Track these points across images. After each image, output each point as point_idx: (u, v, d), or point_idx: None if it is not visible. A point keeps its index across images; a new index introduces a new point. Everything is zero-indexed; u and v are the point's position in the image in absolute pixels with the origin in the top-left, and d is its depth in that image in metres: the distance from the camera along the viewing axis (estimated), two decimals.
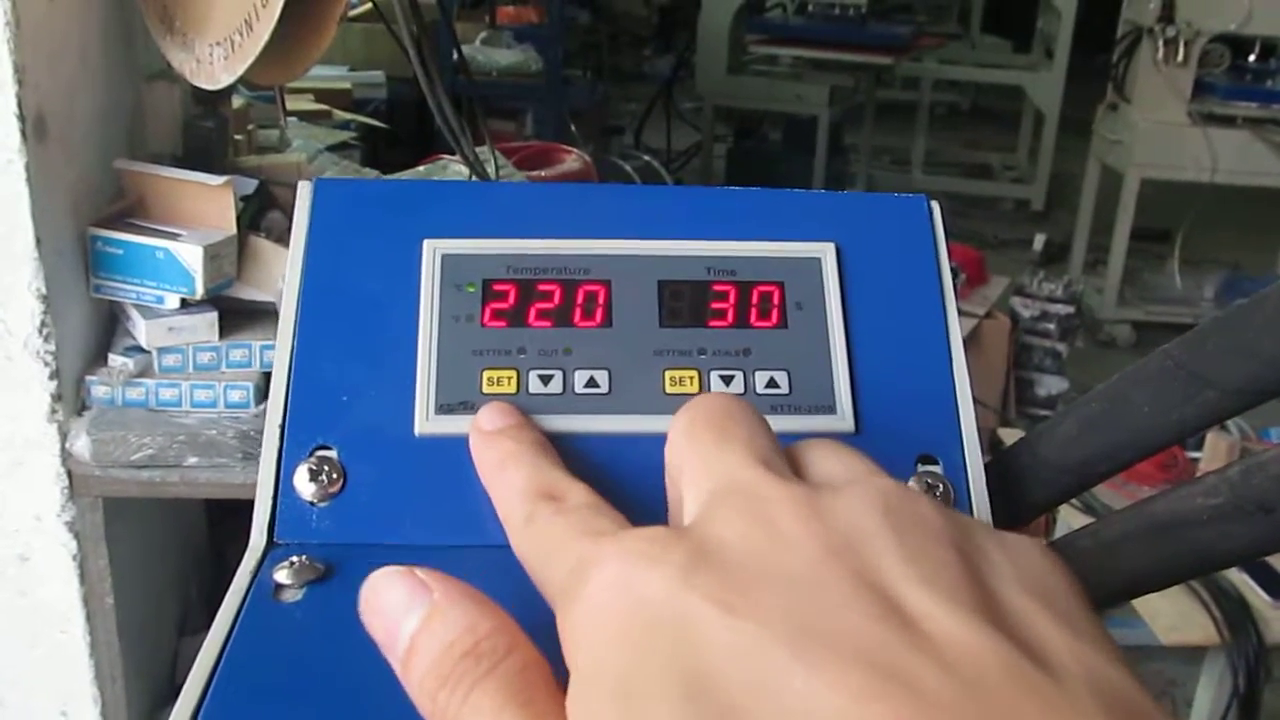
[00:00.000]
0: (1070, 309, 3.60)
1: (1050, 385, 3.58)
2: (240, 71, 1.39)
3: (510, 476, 0.38)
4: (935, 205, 0.50)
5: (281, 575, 0.39)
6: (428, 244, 0.46)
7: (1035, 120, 6.32)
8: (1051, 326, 3.59)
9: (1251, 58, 4.47)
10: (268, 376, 1.47)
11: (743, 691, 0.25)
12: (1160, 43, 4.32)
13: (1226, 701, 1.95)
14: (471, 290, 0.46)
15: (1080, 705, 0.24)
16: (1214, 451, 2.39)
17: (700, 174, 5.75)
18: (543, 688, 0.29)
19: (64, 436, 1.42)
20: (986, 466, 0.44)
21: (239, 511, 1.86)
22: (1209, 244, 5.00)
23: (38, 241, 1.34)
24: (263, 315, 1.52)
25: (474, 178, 1.55)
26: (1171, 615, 1.93)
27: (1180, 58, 4.32)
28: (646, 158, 4.91)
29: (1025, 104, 6.39)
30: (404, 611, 0.31)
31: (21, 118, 1.30)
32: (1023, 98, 6.33)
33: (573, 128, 4.03)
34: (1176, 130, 4.39)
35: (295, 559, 0.40)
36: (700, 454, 0.33)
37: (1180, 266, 4.76)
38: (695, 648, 0.26)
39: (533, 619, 0.31)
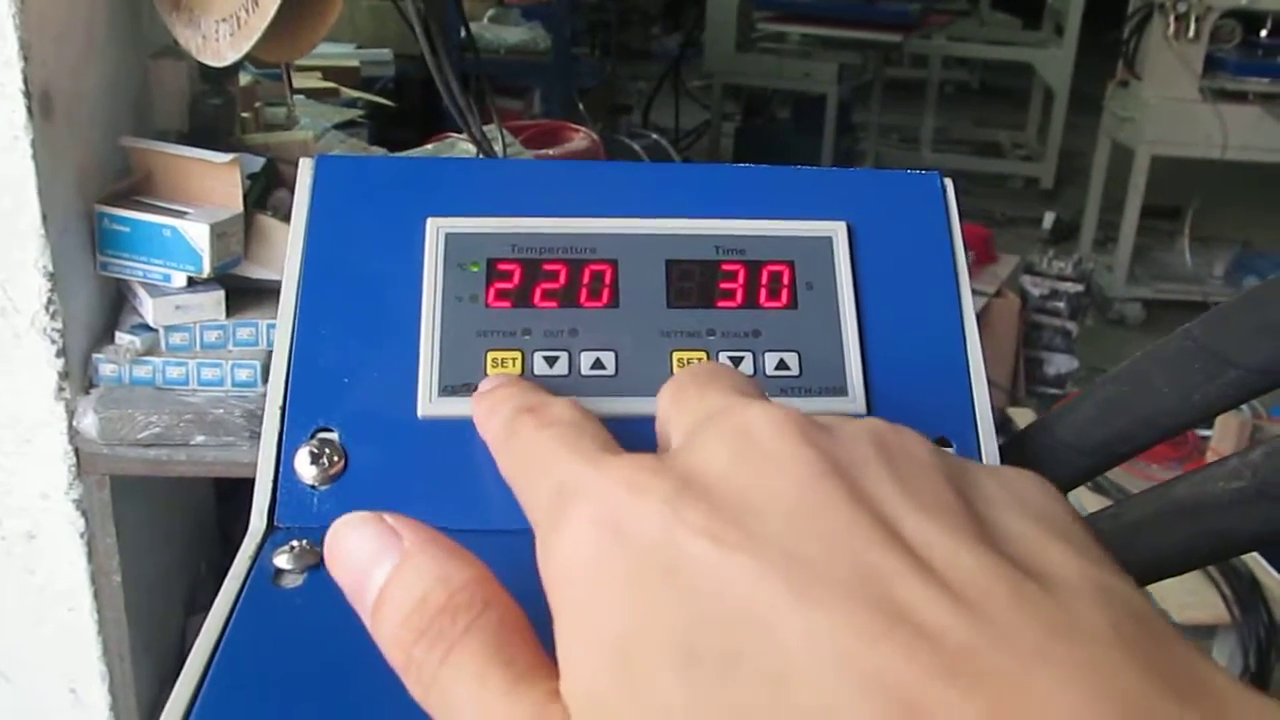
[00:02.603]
0: (1080, 287, 3.58)
1: (1060, 364, 3.57)
2: (246, 48, 1.38)
3: (498, 408, 0.37)
4: (948, 183, 0.49)
5: (281, 560, 0.39)
6: (431, 222, 0.46)
7: (1045, 97, 6.29)
8: (1061, 305, 3.57)
9: (1263, 33, 4.43)
10: None
11: (742, 634, 0.23)
12: (1171, 18, 4.29)
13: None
14: (475, 270, 0.45)
15: (1088, 622, 0.23)
16: (1224, 430, 2.39)
17: (708, 152, 5.73)
18: (523, 644, 0.28)
19: (71, 414, 1.42)
20: (1002, 448, 0.43)
21: (246, 490, 1.86)
22: (1220, 221, 4.97)
23: (44, 219, 1.33)
24: (270, 294, 1.51)
25: (481, 156, 1.54)
26: (1181, 593, 1.93)
27: (1191, 33, 4.29)
28: (655, 136, 4.89)
29: (1035, 81, 6.36)
30: (372, 560, 0.30)
31: (27, 95, 1.29)
32: (1032, 75, 6.29)
33: (580, 106, 4.02)
34: (1187, 106, 4.36)
35: (296, 543, 0.39)
36: (683, 404, 0.32)
37: (1191, 244, 4.73)
38: (691, 593, 0.25)
39: (541, 604, 0.30)
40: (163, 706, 0.33)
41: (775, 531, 0.25)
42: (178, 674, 0.34)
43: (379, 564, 0.30)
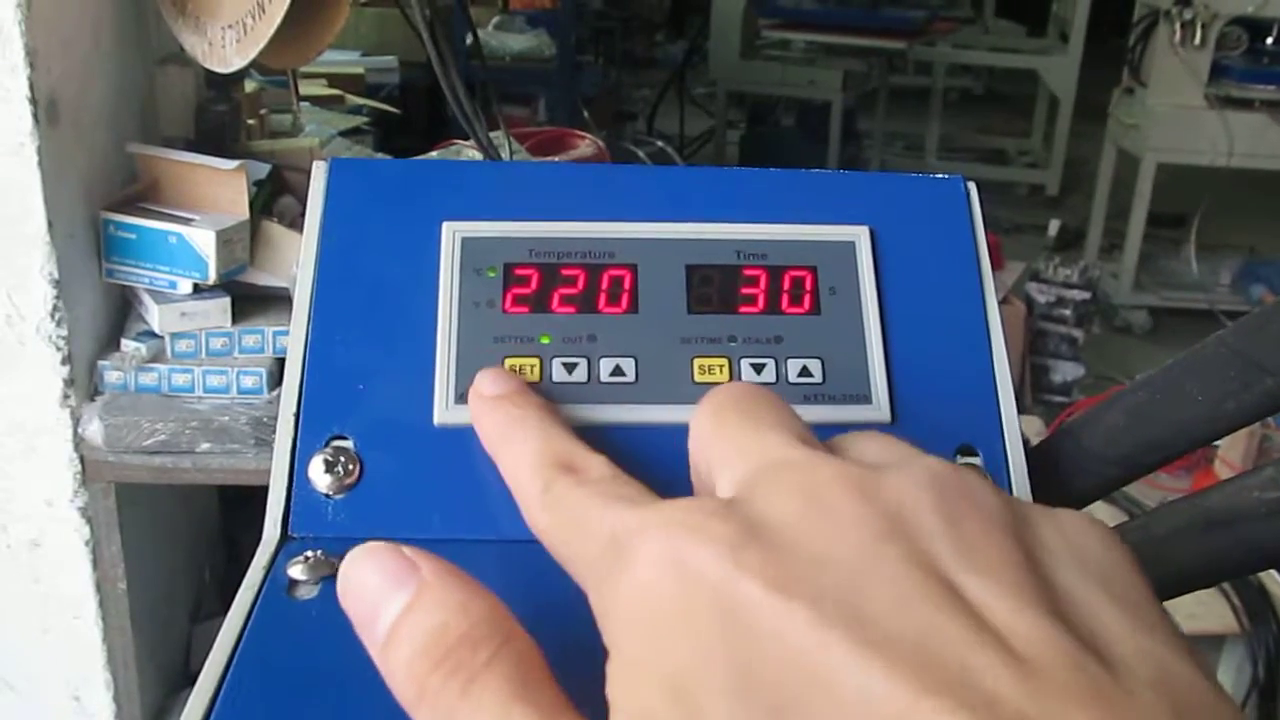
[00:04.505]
0: (1086, 295, 3.58)
1: (1066, 371, 3.56)
2: (252, 55, 1.38)
3: (519, 445, 0.36)
4: (972, 187, 0.48)
5: (296, 570, 0.38)
6: (447, 226, 0.45)
7: (1050, 105, 6.29)
8: (1067, 312, 3.57)
9: (1269, 40, 4.43)
10: (281, 362, 1.47)
11: (798, 684, 0.23)
12: (1177, 25, 4.28)
13: (1246, 690, 1.93)
14: (492, 275, 0.44)
15: (1145, 708, 0.22)
16: (1233, 439, 2.37)
17: (713, 160, 5.73)
18: (543, 681, 0.28)
19: (76, 422, 1.41)
20: (1027, 457, 0.43)
21: (252, 497, 1.85)
22: (1225, 229, 4.96)
23: (50, 225, 1.33)
24: (276, 300, 1.51)
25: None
26: (1190, 603, 1.92)
27: (1197, 40, 4.28)
28: (660, 143, 4.90)
29: (1040, 88, 6.36)
30: (390, 589, 0.29)
31: (34, 101, 1.29)
32: (1037, 82, 6.29)
33: (585, 113, 4.02)
34: (1193, 114, 4.36)
35: (310, 553, 0.38)
36: (732, 438, 0.32)
37: (1197, 251, 4.72)
38: (749, 636, 0.24)
39: (559, 615, 0.30)
40: (166, 714, 0.33)
41: (836, 587, 0.25)
42: (182, 682, 0.34)
43: (395, 594, 0.29)
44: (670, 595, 0.26)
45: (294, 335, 0.43)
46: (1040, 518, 0.28)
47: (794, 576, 0.25)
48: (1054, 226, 5.27)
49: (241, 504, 1.98)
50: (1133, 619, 0.25)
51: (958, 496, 0.28)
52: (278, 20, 1.32)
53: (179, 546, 1.84)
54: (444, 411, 0.42)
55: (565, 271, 0.44)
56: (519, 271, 0.44)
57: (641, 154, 4.39)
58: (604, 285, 0.44)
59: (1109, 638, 0.24)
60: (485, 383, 0.40)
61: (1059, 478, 0.43)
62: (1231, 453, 2.30)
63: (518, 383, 0.40)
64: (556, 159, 1.96)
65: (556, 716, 0.27)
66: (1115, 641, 0.24)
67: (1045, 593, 0.25)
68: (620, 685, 0.26)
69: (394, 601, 0.29)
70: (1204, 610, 1.91)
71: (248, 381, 1.45)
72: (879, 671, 0.23)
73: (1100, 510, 2.00)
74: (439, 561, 0.30)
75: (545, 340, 0.43)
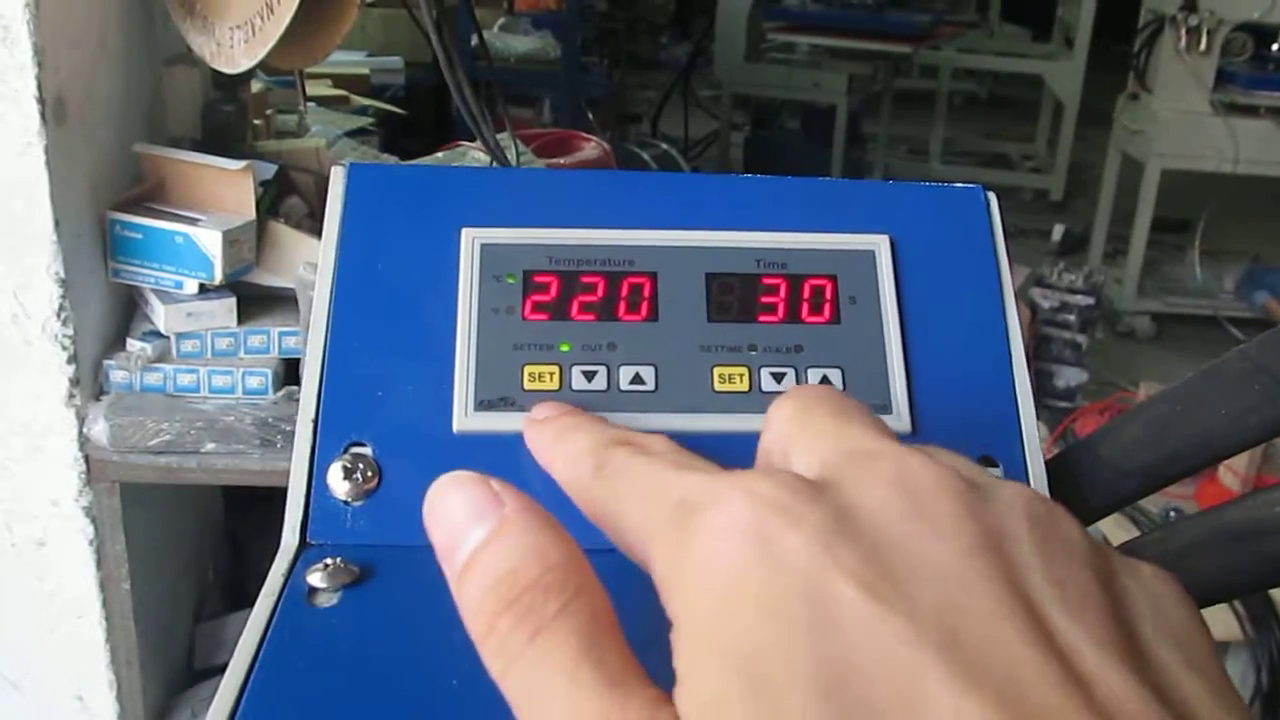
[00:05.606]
0: (1090, 300, 3.57)
1: (1070, 377, 3.55)
2: (260, 56, 1.38)
3: (571, 442, 0.35)
4: (992, 197, 0.48)
5: (315, 578, 0.38)
6: (466, 233, 0.45)
7: (1054, 110, 6.28)
8: (1071, 317, 3.56)
9: (1275, 47, 4.41)
10: (286, 363, 1.47)
11: (885, 698, 0.23)
12: (1182, 31, 4.28)
13: (1249, 698, 1.93)
14: (512, 281, 0.44)
15: None
16: None
17: (717, 162, 5.73)
18: (613, 642, 0.27)
19: (81, 421, 1.41)
20: (1046, 468, 0.43)
21: (257, 498, 1.84)
22: (1229, 235, 4.95)
23: (56, 225, 1.33)
24: (281, 301, 1.51)
25: (494, 164, 1.53)
26: None
27: (1202, 47, 4.28)
28: (664, 145, 4.90)
29: (1044, 93, 6.35)
30: (470, 521, 0.29)
31: (41, 100, 1.29)
32: (1042, 87, 6.29)
33: (590, 115, 4.02)
34: (1198, 120, 4.35)
35: (330, 561, 0.38)
36: (818, 424, 0.30)
37: (1201, 258, 4.72)
38: (837, 635, 0.24)
39: None
40: (169, 714, 0.32)
41: (930, 599, 0.24)
42: (185, 682, 0.33)
43: (476, 526, 0.29)
44: (752, 571, 0.25)
45: (312, 341, 0.43)
46: (1123, 567, 0.28)
47: (890, 581, 0.24)
48: (1058, 231, 5.27)
49: (246, 504, 1.97)
50: (1211, 689, 0.25)
51: (1051, 531, 0.27)
52: (286, 21, 1.32)
53: (183, 546, 1.84)
54: (463, 418, 0.42)
55: (585, 279, 0.44)
56: (538, 279, 0.44)
57: (646, 156, 4.39)
58: (624, 293, 0.44)
59: (1191, 708, 0.24)
60: (540, 410, 0.40)
61: (1078, 489, 0.43)
62: (1237, 461, 2.30)
63: (571, 406, 0.40)
64: (562, 161, 1.96)
65: (624, 682, 0.26)
66: (1196, 712, 0.24)
67: (1130, 647, 0.25)
68: (689, 658, 0.25)
69: (474, 534, 0.28)
70: (1207, 617, 1.91)
71: (253, 382, 1.45)
72: (972, 705, 0.22)
73: (1107, 520, 1.99)
74: (524, 499, 0.29)
75: (565, 348, 0.43)
